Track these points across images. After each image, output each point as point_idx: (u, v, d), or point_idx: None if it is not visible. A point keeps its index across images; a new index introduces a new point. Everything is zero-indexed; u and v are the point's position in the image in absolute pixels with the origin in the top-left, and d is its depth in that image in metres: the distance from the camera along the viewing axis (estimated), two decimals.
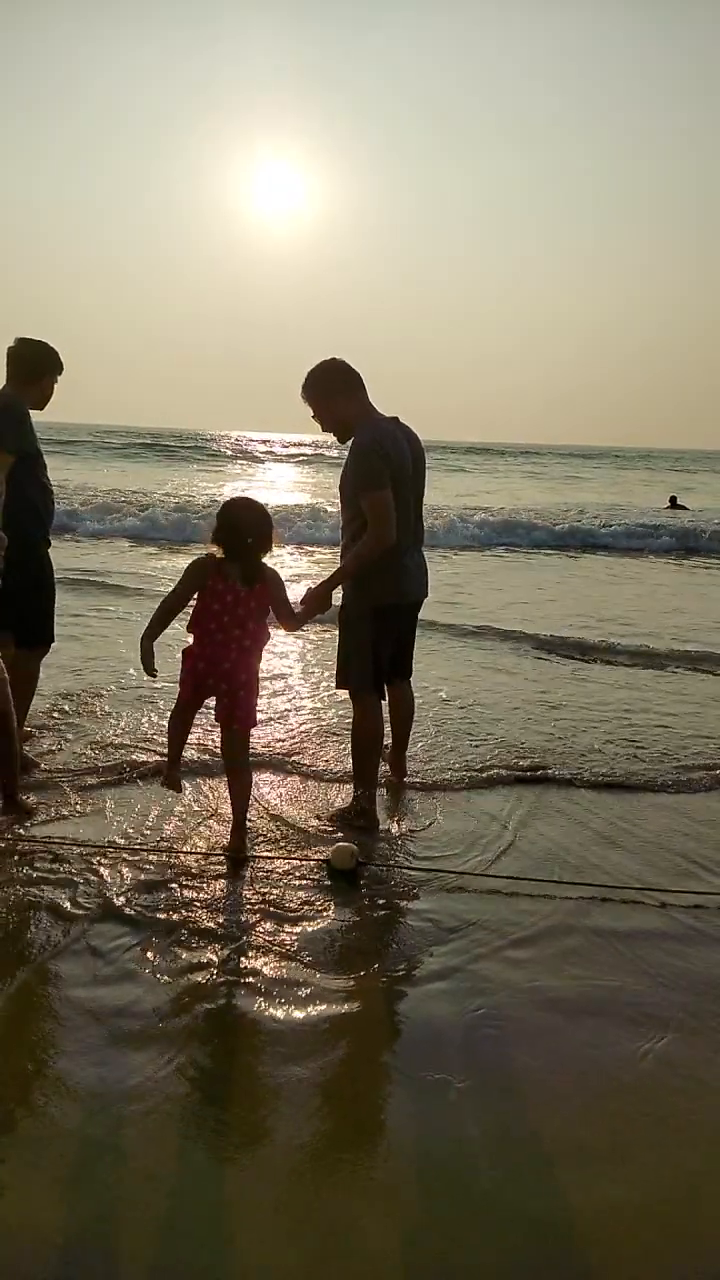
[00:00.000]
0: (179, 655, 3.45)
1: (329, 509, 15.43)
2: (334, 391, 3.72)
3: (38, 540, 4.09)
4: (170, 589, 3.47)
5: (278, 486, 27.54)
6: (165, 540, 13.35)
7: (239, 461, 39.01)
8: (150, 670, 3.41)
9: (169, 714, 3.56)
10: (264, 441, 58.15)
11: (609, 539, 15.89)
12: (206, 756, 4.23)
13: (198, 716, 3.59)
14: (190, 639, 3.44)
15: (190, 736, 3.67)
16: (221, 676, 3.38)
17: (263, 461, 41.13)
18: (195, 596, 3.40)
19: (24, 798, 3.71)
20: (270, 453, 45.95)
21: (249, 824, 3.55)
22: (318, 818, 3.79)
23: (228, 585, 3.36)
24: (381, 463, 3.58)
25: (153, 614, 3.44)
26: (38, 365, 4.08)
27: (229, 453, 43.75)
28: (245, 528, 3.35)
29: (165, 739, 3.61)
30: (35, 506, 4.04)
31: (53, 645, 4.32)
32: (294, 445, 54.81)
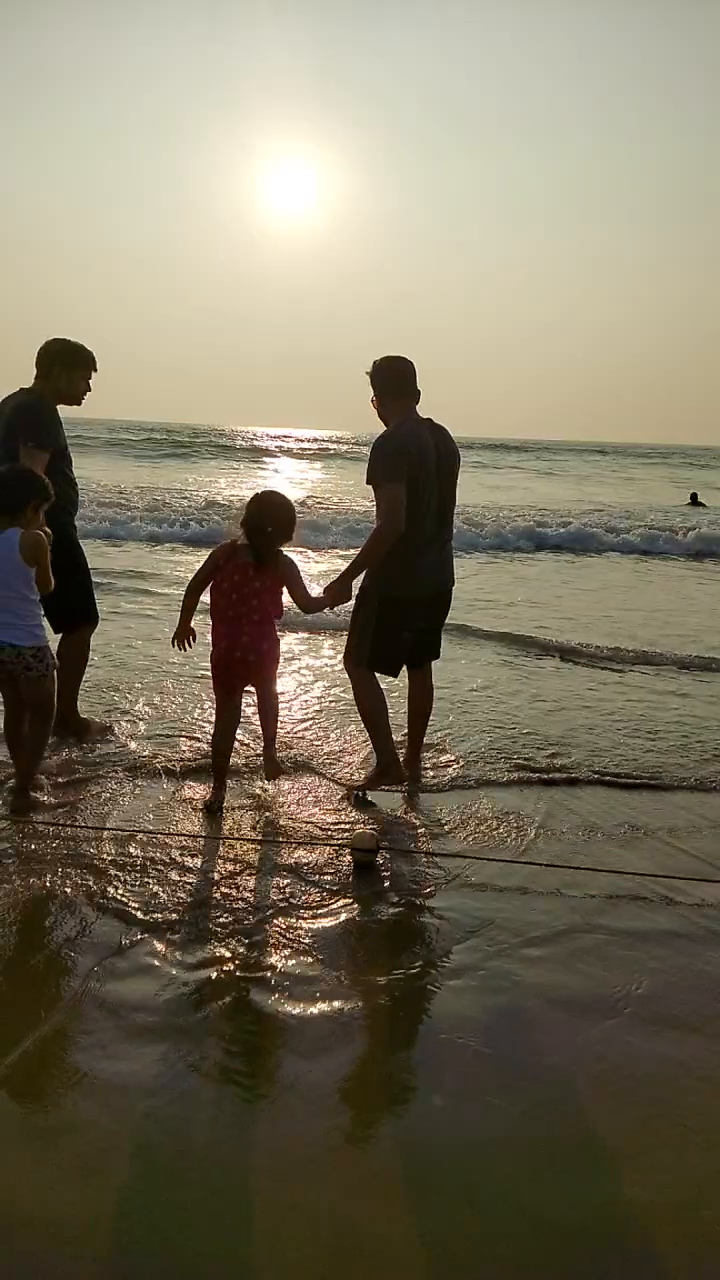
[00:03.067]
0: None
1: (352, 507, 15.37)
2: (384, 388, 4.03)
3: (68, 527, 4.35)
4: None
5: (299, 483, 27.52)
6: (204, 542, 12.28)
7: (258, 458, 39.01)
8: (180, 640, 3.85)
9: (211, 728, 4.00)
10: (281, 437, 58.13)
11: (629, 539, 15.37)
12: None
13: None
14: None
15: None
16: (243, 648, 3.74)
17: (276, 456, 41.15)
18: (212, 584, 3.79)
19: (36, 794, 3.79)
20: (285, 449, 45.89)
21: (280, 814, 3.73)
22: (336, 811, 3.86)
23: (237, 565, 3.72)
24: (396, 458, 3.82)
25: (183, 601, 3.89)
26: (45, 359, 4.29)
27: (244, 447, 43.72)
28: (268, 518, 3.70)
29: (193, 733, 3.81)
30: (63, 499, 4.23)
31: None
32: (309, 440, 54.90)
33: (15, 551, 3.55)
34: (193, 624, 3.87)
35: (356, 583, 4.02)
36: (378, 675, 4.11)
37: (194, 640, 3.87)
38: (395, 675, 4.18)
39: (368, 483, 3.90)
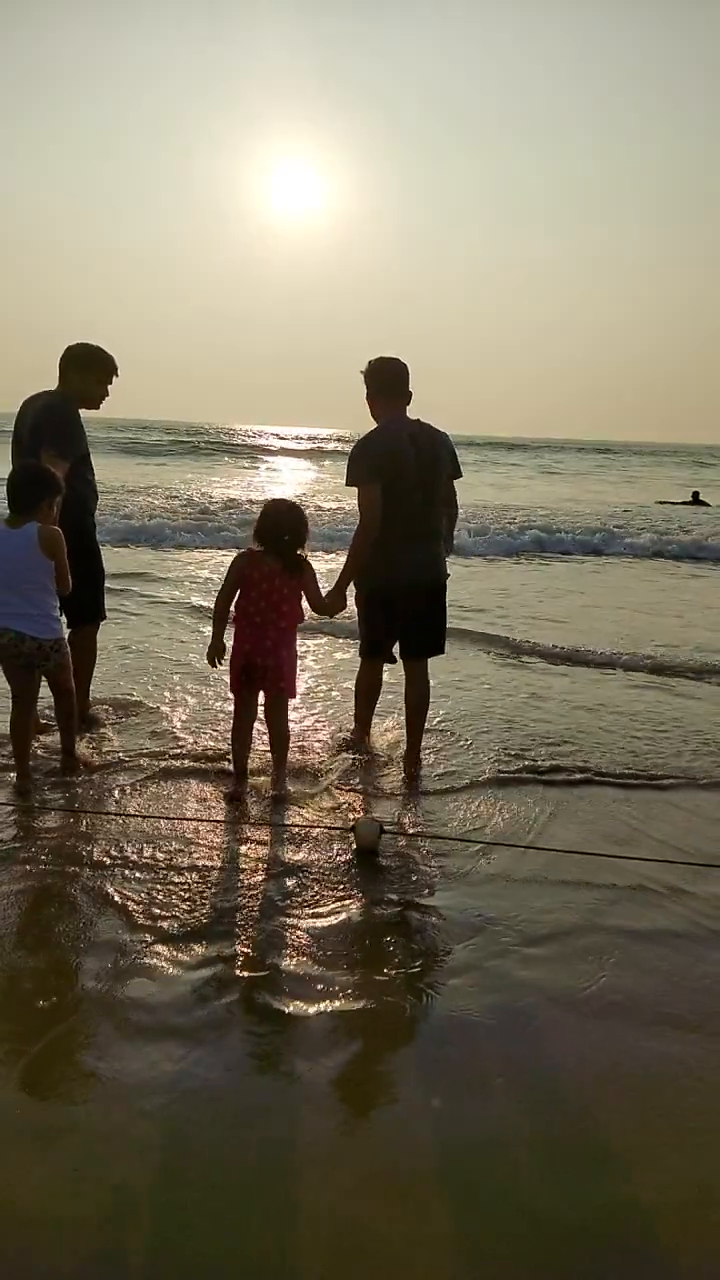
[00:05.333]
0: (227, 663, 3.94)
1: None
2: (376, 388, 4.20)
3: (91, 530, 4.50)
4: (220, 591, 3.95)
5: (300, 481, 27.50)
6: (207, 545, 12.35)
7: (260, 456, 39.05)
8: (215, 656, 3.89)
9: (230, 730, 4.07)
10: (281, 436, 58.26)
11: (633, 540, 15.05)
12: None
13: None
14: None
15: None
16: (267, 653, 3.85)
17: (276, 454, 41.20)
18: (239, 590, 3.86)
19: (82, 753, 4.10)
20: (285, 448, 45.95)
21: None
22: (339, 800, 3.93)
23: (264, 574, 3.81)
24: (373, 460, 4.03)
25: (213, 616, 3.97)
26: (62, 362, 4.39)
27: (245, 446, 43.78)
28: (283, 526, 3.82)
29: (208, 736, 4.01)
30: (83, 500, 4.40)
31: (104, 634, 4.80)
32: (309, 439, 55.13)
33: (35, 544, 3.67)
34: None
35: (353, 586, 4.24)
36: (384, 667, 4.46)
37: (224, 656, 3.93)
38: (375, 658, 4.44)
39: (347, 484, 4.10)
